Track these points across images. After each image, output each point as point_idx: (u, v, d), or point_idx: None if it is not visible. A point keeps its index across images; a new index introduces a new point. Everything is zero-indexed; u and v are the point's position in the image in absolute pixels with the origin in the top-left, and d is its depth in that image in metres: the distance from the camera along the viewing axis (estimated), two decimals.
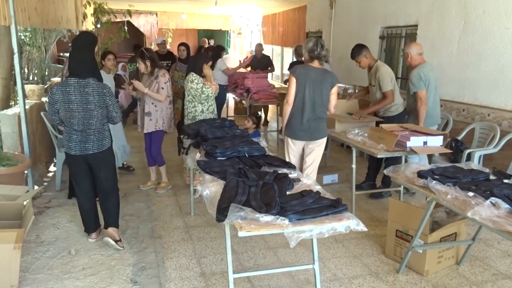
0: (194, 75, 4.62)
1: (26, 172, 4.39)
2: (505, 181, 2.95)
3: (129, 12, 10.71)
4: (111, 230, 3.66)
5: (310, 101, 3.89)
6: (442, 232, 3.30)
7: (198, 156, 3.56)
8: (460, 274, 3.34)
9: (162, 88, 4.71)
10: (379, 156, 3.91)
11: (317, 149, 4.02)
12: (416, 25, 6.29)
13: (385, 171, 3.36)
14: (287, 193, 2.70)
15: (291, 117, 3.98)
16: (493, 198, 2.58)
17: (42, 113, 4.94)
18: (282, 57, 12.89)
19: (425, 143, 3.86)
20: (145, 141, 5.05)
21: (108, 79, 4.68)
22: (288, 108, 3.98)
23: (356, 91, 7.09)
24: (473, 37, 5.26)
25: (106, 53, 5.07)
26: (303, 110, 3.92)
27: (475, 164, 3.27)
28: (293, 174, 3.08)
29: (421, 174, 3.07)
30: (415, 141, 3.83)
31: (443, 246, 3.30)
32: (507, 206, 2.51)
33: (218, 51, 8.19)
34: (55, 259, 3.39)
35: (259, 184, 2.66)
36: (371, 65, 4.97)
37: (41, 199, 4.53)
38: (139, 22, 16.85)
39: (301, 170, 4.03)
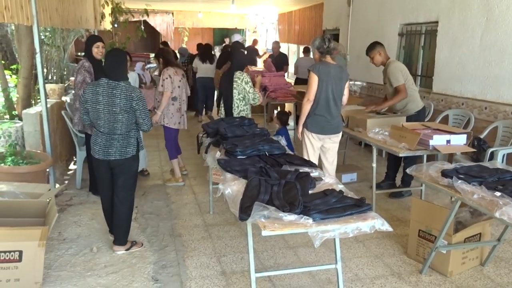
0: (247, 77, 4.61)
1: (47, 170, 4.44)
2: None
3: (146, 12, 10.75)
4: (115, 247, 3.53)
5: (334, 97, 3.97)
6: (466, 232, 3.24)
7: (218, 154, 3.55)
8: (485, 275, 3.28)
9: (162, 86, 4.90)
10: (401, 155, 3.85)
11: (337, 143, 4.13)
12: (437, 22, 6.18)
13: (407, 170, 3.31)
14: (310, 192, 2.68)
15: (316, 113, 3.99)
16: None
17: (62, 112, 5.00)
18: (297, 55, 12.82)
19: (448, 141, 3.79)
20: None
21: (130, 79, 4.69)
22: (309, 106, 3.97)
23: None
24: (496, 34, 5.14)
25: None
26: (329, 106, 3.98)
27: (500, 163, 3.20)
28: (314, 173, 3.06)
29: (445, 174, 3.02)
30: (438, 140, 3.76)
31: (467, 247, 3.24)
32: None
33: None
34: (78, 256, 3.43)
35: (282, 183, 2.64)
36: (383, 63, 4.95)
37: (63, 197, 4.58)
38: (155, 21, 16.97)
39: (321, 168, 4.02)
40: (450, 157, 5.16)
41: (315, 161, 4.12)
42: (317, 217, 2.29)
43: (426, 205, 3.40)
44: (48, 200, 3.23)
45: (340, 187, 2.76)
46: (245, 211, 2.36)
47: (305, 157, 4.10)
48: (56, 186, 4.82)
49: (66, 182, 5.20)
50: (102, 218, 4.08)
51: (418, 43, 6.82)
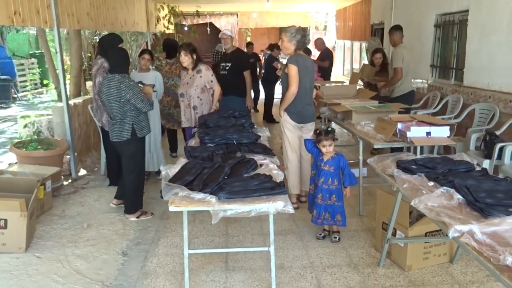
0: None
1: (69, 156, 5.01)
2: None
3: (198, 13, 11.31)
4: (126, 215, 4.14)
5: (310, 87, 4.15)
6: (427, 226, 3.11)
7: (192, 142, 3.79)
8: (448, 272, 3.12)
9: (212, 81, 4.88)
10: (375, 147, 3.78)
11: (312, 131, 4.22)
12: (467, 10, 5.82)
13: (368, 161, 3.27)
14: (245, 175, 2.81)
15: (295, 103, 4.09)
16: (445, 187, 2.43)
17: (89, 106, 5.55)
18: (351, 52, 12.59)
19: (428, 133, 3.64)
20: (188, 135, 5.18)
21: (141, 77, 4.76)
22: (293, 97, 4.05)
23: None
24: None
25: (141, 52, 5.25)
26: (306, 96, 4.14)
27: (466, 156, 3.02)
28: (265, 160, 3.16)
29: (399, 164, 2.96)
30: (416, 132, 3.62)
31: (420, 241, 3.11)
32: (459, 196, 2.35)
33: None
34: (69, 230, 3.87)
35: (214, 166, 2.80)
36: (396, 44, 5.82)
37: (81, 181, 5.12)
38: (221, 23, 17.63)
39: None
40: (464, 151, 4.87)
41: (297, 150, 4.20)
42: (222, 196, 2.44)
43: (389, 198, 3.31)
44: (38, 180, 3.70)
45: (275, 172, 2.85)
46: (165, 190, 2.57)
47: (288, 148, 4.20)
48: (81, 171, 5.41)
49: (96, 169, 5.76)
50: (105, 200, 4.56)
51: (451, 34, 6.45)
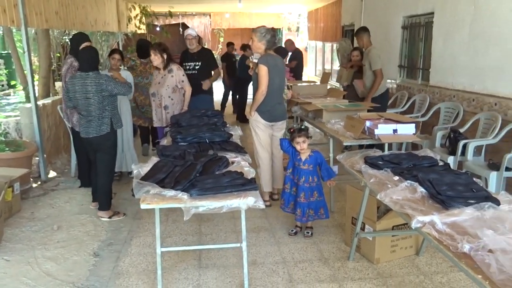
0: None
1: (38, 158, 4.91)
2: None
3: (170, 14, 11.26)
4: (99, 213, 4.13)
5: (280, 86, 4.22)
6: (394, 220, 3.22)
7: (165, 141, 3.80)
8: (414, 264, 3.24)
9: (183, 81, 4.85)
10: (344, 144, 3.88)
11: (283, 129, 4.36)
12: (433, 13, 6.02)
13: (337, 157, 3.35)
14: (217, 173, 2.84)
15: (266, 102, 4.14)
16: (409, 181, 2.53)
17: (58, 107, 5.46)
18: (323, 53, 12.78)
19: (395, 131, 3.76)
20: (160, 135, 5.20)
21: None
22: (263, 97, 4.10)
23: None
24: (482, 23, 4.95)
25: (111, 52, 5.22)
26: (277, 95, 4.21)
27: (430, 152, 3.14)
28: (237, 158, 3.20)
29: (367, 160, 3.05)
30: (383, 129, 3.75)
31: (387, 234, 3.22)
32: (422, 189, 2.45)
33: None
34: (38, 233, 3.81)
35: (186, 164, 2.82)
36: (366, 47, 5.80)
37: (51, 183, 5.04)
38: (193, 24, 17.59)
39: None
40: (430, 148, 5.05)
41: (269, 148, 4.26)
42: (194, 193, 2.46)
43: (357, 193, 3.41)
44: (5, 181, 3.63)
45: (246, 169, 2.90)
46: (136, 188, 2.57)
47: (258, 147, 4.25)
48: (51, 173, 5.31)
49: (66, 170, 5.67)
50: (76, 202, 4.50)
51: (418, 35, 6.66)
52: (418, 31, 6.61)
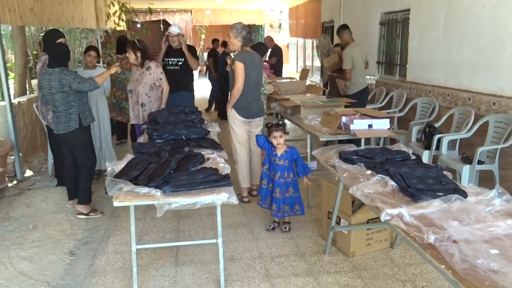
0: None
1: (13, 157, 4.84)
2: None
3: (150, 11, 11.15)
4: (78, 207, 4.12)
5: (257, 82, 4.23)
6: (369, 213, 3.27)
7: (141, 139, 3.78)
8: (389, 257, 3.30)
9: (161, 79, 4.79)
10: (321, 139, 3.92)
11: (261, 125, 4.36)
12: (409, 9, 6.10)
13: (313, 152, 3.38)
14: (192, 169, 2.84)
15: (243, 99, 4.15)
16: (380, 175, 2.57)
17: (34, 105, 5.37)
18: (304, 50, 12.83)
19: (370, 126, 3.81)
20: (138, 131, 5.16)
21: (87, 75, 4.79)
22: (239, 94, 4.11)
23: None
24: (456, 20, 5.04)
25: (87, 49, 5.18)
26: (254, 91, 4.23)
27: (404, 146, 3.19)
28: (213, 155, 3.20)
29: (341, 155, 3.08)
30: (359, 124, 3.79)
31: (362, 228, 3.27)
32: (393, 183, 2.49)
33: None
34: (14, 232, 3.76)
35: (160, 161, 2.82)
36: (347, 43, 5.81)
37: (27, 182, 4.97)
38: (174, 20, 17.43)
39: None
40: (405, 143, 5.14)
41: (246, 145, 4.27)
42: (167, 190, 2.46)
43: (333, 188, 3.45)
44: None
45: (222, 165, 2.91)
46: (109, 185, 2.56)
47: (236, 143, 4.27)
48: (28, 172, 5.23)
49: (43, 169, 5.59)
50: (52, 201, 4.44)
51: (395, 32, 6.74)
52: (395, 28, 6.70)
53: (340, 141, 4.76)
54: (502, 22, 4.26)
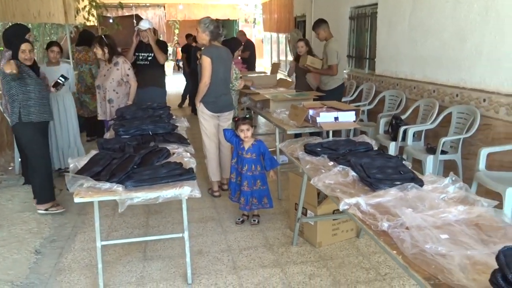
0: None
1: None
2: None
3: (121, 5, 10.99)
4: (36, 206, 4.08)
5: (225, 77, 4.23)
6: (335, 204, 3.31)
7: (107, 135, 3.74)
8: (354, 246, 3.37)
9: (128, 75, 4.74)
10: (288, 133, 3.96)
11: (230, 119, 4.35)
12: (377, 4, 6.19)
13: (279, 145, 3.42)
14: (156, 164, 2.83)
15: (211, 93, 4.16)
16: (341, 166, 2.62)
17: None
18: (278, 45, 12.87)
19: (336, 118, 3.87)
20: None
21: (51, 71, 4.71)
22: (206, 89, 4.11)
23: None
24: (421, 13, 5.14)
25: (49, 44, 5.05)
26: (222, 86, 4.22)
27: (367, 138, 3.26)
28: (179, 149, 3.20)
29: (306, 147, 3.12)
30: (325, 117, 3.84)
31: (328, 218, 3.33)
32: (353, 173, 2.55)
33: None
34: None
35: (124, 157, 2.80)
36: (326, 39, 5.65)
37: None
38: (147, 15, 17.19)
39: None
40: (374, 135, 5.26)
41: (215, 139, 4.29)
42: (129, 185, 2.45)
43: (299, 179, 3.49)
44: None
45: (186, 160, 2.91)
46: (70, 182, 2.53)
47: (205, 137, 4.28)
48: None
49: (10, 168, 5.47)
50: (18, 199, 4.37)
51: (364, 26, 6.84)
52: (364, 22, 6.79)
53: (312, 134, 4.83)
54: (463, 16, 4.37)
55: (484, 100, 4.15)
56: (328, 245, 3.37)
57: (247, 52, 8.91)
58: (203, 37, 4.08)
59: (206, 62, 4.00)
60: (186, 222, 2.83)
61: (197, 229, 3.71)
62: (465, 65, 4.41)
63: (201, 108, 4.20)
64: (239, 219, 3.82)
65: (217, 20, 4.21)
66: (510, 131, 3.86)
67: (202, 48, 4.20)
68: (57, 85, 4.37)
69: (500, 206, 2.88)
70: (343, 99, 6.25)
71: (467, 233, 1.83)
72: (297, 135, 5.19)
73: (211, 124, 4.24)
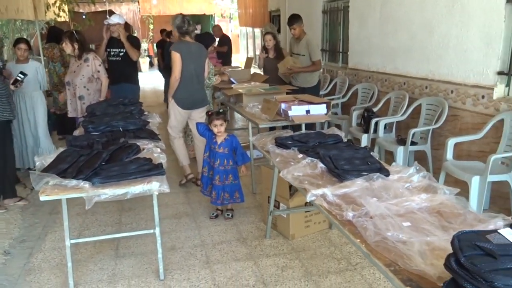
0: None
1: None
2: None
3: (93, 0, 10.80)
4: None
5: (197, 73, 4.19)
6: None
7: (77, 132, 3.68)
8: (327, 237, 3.41)
9: (98, 71, 4.67)
10: (261, 126, 3.97)
11: (203, 114, 4.27)
12: None
13: (251, 139, 3.43)
14: (126, 160, 2.80)
15: (181, 89, 4.13)
16: (310, 158, 2.64)
17: None
18: (254, 39, 12.86)
19: (307, 111, 3.90)
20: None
21: (19, 69, 4.50)
22: (177, 83, 4.10)
23: None
24: (391, 5, 5.22)
25: (16, 42, 4.87)
26: (193, 82, 4.18)
27: (337, 130, 3.29)
28: (150, 145, 3.18)
29: (277, 140, 3.14)
30: (297, 110, 3.87)
31: (300, 211, 3.37)
32: (322, 165, 2.57)
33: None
34: None
35: (92, 153, 2.76)
36: (301, 36, 5.40)
37: None
38: (121, 11, 16.91)
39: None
40: (347, 128, 5.33)
41: (180, 130, 4.33)
42: (96, 182, 2.43)
43: (271, 173, 3.51)
44: None
45: (156, 155, 2.89)
46: (36, 180, 2.48)
47: (169, 129, 4.32)
48: None
49: None
50: None
51: (337, 20, 6.89)
52: (337, 16, 6.85)
53: (285, 127, 4.85)
54: (430, 8, 4.46)
55: (452, 92, 4.25)
56: (301, 237, 3.41)
57: (225, 46, 8.88)
58: (174, 33, 4.11)
59: (175, 57, 4.00)
60: (157, 218, 2.82)
61: (171, 225, 3.70)
62: (433, 57, 4.50)
63: (172, 103, 4.18)
64: (213, 214, 3.82)
65: (183, 15, 4.17)
66: (477, 121, 3.97)
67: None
68: (15, 82, 4.26)
69: (465, 194, 2.97)
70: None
71: (429, 220, 1.87)
72: (271, 129, 5.24)
73: (179, 120, 4.26)
